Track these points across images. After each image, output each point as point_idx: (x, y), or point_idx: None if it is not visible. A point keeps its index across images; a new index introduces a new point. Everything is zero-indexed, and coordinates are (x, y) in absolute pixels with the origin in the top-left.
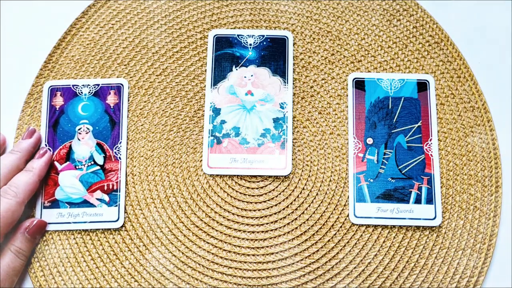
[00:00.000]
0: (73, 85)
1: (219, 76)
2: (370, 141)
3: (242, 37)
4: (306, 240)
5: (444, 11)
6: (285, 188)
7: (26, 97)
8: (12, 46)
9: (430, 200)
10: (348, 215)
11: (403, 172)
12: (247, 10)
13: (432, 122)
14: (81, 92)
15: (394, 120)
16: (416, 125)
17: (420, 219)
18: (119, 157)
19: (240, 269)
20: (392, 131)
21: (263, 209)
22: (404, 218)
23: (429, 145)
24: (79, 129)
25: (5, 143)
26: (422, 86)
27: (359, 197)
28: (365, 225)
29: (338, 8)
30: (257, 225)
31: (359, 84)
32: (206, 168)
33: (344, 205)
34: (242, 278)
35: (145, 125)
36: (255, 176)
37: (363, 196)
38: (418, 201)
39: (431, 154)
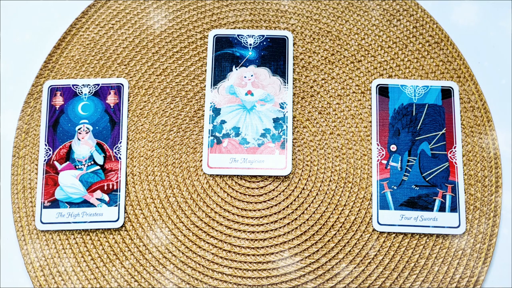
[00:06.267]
0: (73, 85)
1: (219, 76)
2: (393, 148)
3: (242, 37)
4: (306, 240)
5: (444, 11)
6: (285, 188)
7: (26, 97)
8: (12, 46)
9: (454, 208)
10: (348, 215)
11: (427, 179)
12: (247, 10)
13: (456, 129)
14: (81, 92)
15: (418, 127)
16: (440, 133)
17: (444, 227)
18: (119, 157)
19: (240, 269)
20: (416, 138)
21: (263, 209)
22: (428, 226)
23: (453, 152)
24: (79, 129)
25: None
26: (447, 93)
27: (383, 204)
28: (388, 232)
29: (338, 8)
30: (257, 225)
31: (383, 91)
32: (206, 168)
33: (344, 205)
34: (242, 278)
35: (145, 125)
36: (255, 176)
37: (386, 203)
38: (442, 209)
39: (455, 162)
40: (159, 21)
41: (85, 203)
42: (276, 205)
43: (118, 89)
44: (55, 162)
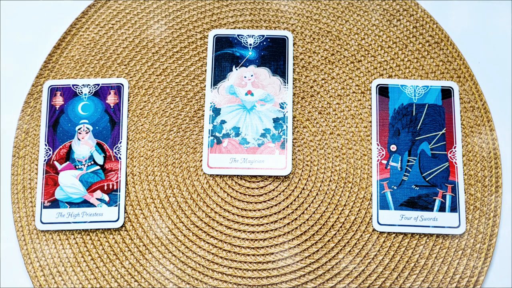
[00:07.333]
0: (73, 85)
1: (219, 76)
2: (393, 148)
3: (242, 37)
4: (306, 240)
5: (444, 11)
6: (285, 188)
7: (26, 97)
8: (12, 46)
9: (454, 208)
10: (348, 215)
11: (427, 179)
12: (247, 10)
13: (456, 129)
14: (81, 92)
15: (418, 127)
16: (440, 133)
17: (444, 227)
18: (119, 157)
19: (240, 269)
20: (416, 138)
21: (263, 209)
22: (428, 226)
23: (453, 152)
24: (79, 129)
25: None
26: (447, 93)
27: (383, 204)
28: (389, 232)
29: (338, 8)
30: (257, 225)
31: (383, 91)
32: (206, 168)
33: (344, 205)
34: (242, 278)
35: (145, 125)
36: (255, 176)
37: (386, 203)
38: (442, 209)
39: (455, 162)
40: (159, 21)
41: (85, 203)
42: (276, 205)
43: (118, 89)
44: (55, 162)
